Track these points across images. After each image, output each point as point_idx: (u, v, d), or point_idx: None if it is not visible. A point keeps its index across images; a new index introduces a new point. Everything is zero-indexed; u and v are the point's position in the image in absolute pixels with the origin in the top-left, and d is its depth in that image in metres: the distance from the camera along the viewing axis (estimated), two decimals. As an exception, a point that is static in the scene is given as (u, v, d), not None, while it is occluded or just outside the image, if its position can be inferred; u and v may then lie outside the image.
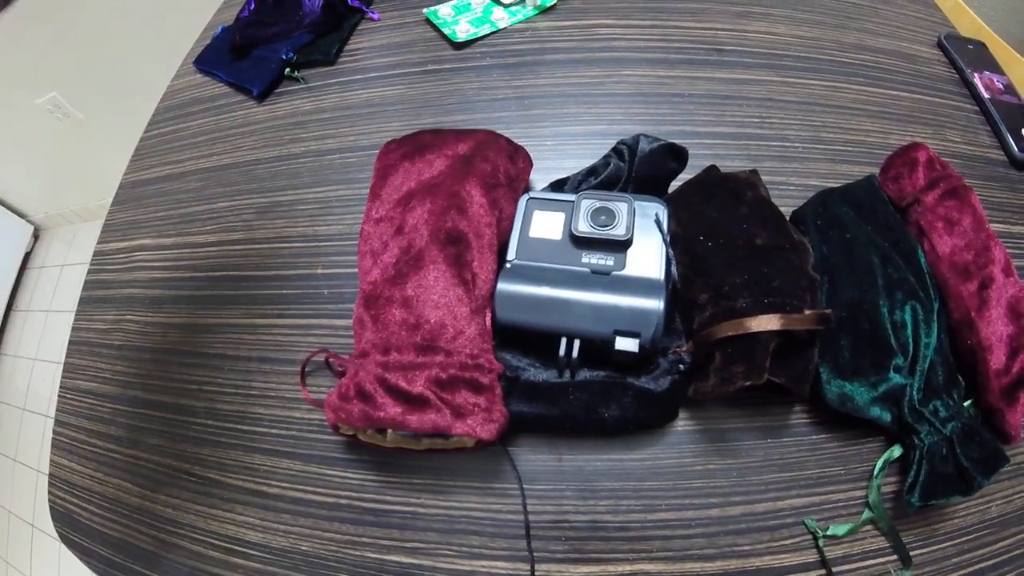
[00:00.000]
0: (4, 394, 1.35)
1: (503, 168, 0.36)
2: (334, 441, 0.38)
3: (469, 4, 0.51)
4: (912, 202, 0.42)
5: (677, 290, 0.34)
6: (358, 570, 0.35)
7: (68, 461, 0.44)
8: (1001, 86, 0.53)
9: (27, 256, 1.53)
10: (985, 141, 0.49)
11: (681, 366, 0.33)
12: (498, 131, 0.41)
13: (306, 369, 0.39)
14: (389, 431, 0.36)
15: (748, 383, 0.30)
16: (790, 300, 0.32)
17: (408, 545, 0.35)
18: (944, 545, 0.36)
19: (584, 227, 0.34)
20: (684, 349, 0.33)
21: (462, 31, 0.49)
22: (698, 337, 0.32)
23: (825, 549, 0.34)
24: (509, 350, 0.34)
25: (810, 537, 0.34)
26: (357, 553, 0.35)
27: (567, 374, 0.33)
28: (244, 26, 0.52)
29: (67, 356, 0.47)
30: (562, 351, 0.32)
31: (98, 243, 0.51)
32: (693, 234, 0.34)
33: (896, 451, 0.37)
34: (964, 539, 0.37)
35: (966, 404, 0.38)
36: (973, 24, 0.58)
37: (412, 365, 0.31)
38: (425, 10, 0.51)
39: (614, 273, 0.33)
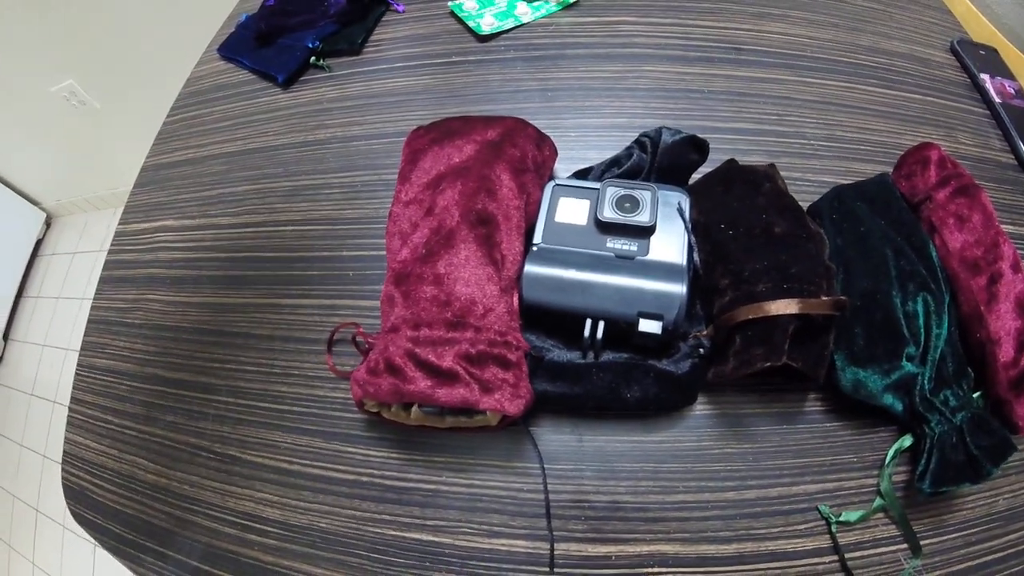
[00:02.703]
0: (12, 380, 1.35)
1: (531, 154, 0.37)
2: (357, 419, 0.38)
3: (493, -2, 0.53)
4: (924, 199, 0.43)
5: (698, 276, 0.35)
6: (377, 547, 0.36)
7: (83, 438, 0.44)
8: (1012, 91, 0.54)
9: (38, 243, 1.53)
10: (995, 144, 0.50)
11: (701, 350, 0.34)
12: None
13: (332, 346, 0.39)
14: (413, 409, 0.36)
15: (767, 365, 0.31)
16: (808, 286, 0.32)
17: (429, 523, 0.35)
18: (953, 536, 0.37)
19: (609, 213, 0.35)
20: (705, 333, 0.34)
21: (487, 24, 0.50)
22: (719, 321, 0.33)
23: (837, 535, 0.35)
24: (534, 331, 0.35)
25: (823, 523, 0.35)
26: (377, 531, 0.36)
27: (591, 355, 0.34)
28: (269, 14, 0.53)
29: (85, 335, 0.48)
30: (587, 332, 0.33)
31: (120, 224, 0.51)
32: (714, 222, 0.35)
33: (907, 440, 0.38)
34: (972, 531, 0.37)
35: (975, 395, 0.39)
36: (986, 30, 0.59)
37: (442, 340, 0.31)
38: (450, 3, 0.52)
39: (638, 258, 0.34)
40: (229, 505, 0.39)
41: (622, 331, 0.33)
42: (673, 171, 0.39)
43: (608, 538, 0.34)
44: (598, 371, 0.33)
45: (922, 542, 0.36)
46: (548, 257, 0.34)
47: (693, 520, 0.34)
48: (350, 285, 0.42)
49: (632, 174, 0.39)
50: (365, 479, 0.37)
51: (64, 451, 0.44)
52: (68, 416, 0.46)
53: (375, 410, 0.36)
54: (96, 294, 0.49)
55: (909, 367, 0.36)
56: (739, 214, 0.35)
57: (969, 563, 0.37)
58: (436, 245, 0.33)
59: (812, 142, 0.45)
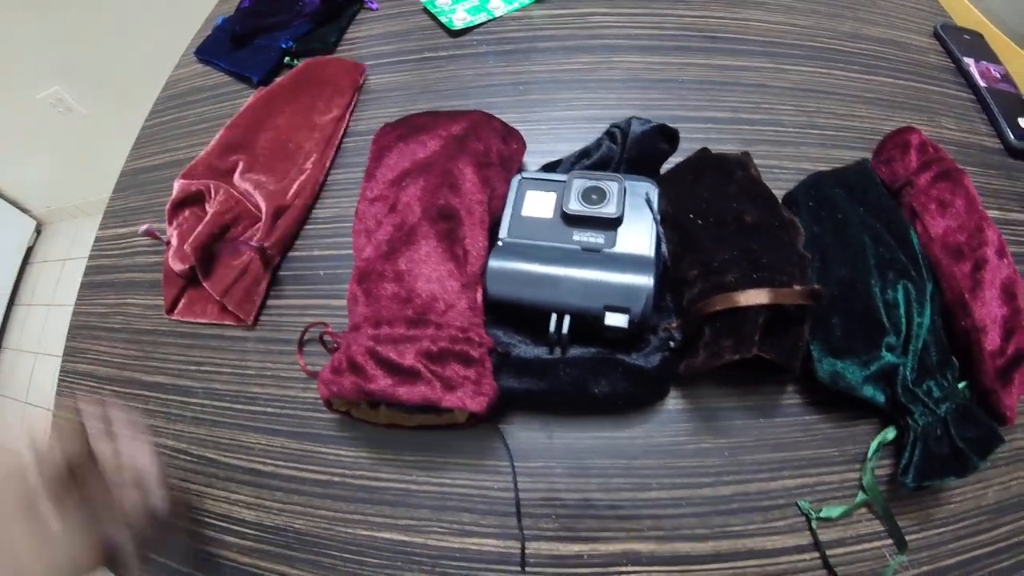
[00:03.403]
0: (6, 388, 1.37)
1: (496, 148, 0.36)
2: (328, 419, 0.38)
3: (466, -7, 0.52)
4: (905, 184, 0.42)
5: (667, 267, 0.34)
6: (349, 547, 0.35)
7: (67, 443, 0.44)
8: (998, 75, 0.53)
9: (29, 251, 1.55)
10: (981, 129, 0.49)
11: (672, 343, 0.33)
12: (494, 114, 0.42)
13: (303, 346, 0.39)
14: (382, 407, 0.36)
15: (736, 357, 0.30)
16: (779, 276, 0.32)
17: (400, 522, 0.35)
18: (940, 531, 0.36)
19: (575, 206, 0.34)
20: (674, 326, 0.33)
21: (459, 19, 0.50)
22: (688, 313, 0.33)
23: (819, 531, 0.34)
24: (500, 326, 0.35)
25: (803, 519, 0.34)
26: (349, 531, 0.36)
27: (558, 350, 0.33)
28: (244, 16, 0.53)
29: (68, 340, 0.48)
30: (552, 326, 0.32)
31: (99, 229, 0.51)
32: (683, 212, 0.35)
33: (890, 433, 0.37)
34: (960, 525, 0.36)
35: (960, 385, 0.38)
36: (971, 16, 0.58)
37: (403, 338, 0.31)
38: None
39: (604, 250, 0.34)
40: (207, 507, 0.39)
41: (590, 325, 0.32)
42: (643, 161, 0.38)
43: (580, 536, 0.33)
44: (565, 366, 0.33)
45: (908, 537, 0.35)
46: (513, 251, 0.34)
47: (667, 517, 0.33)
48: (321, 285, 0.41)
49: (602, 165, 0.38)
50: (337, 479, 0.37)
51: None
52: (52, 422, 0.46)
53: (344, 409, 0.35)
54: (78, 300, 0.49)
55: (889, 357, 0.35)
56: (709, 203, 0.35)
57: (958, 557, 0.36)
58: (398, 242, 0.33)
59: (789, 129, 0.45)
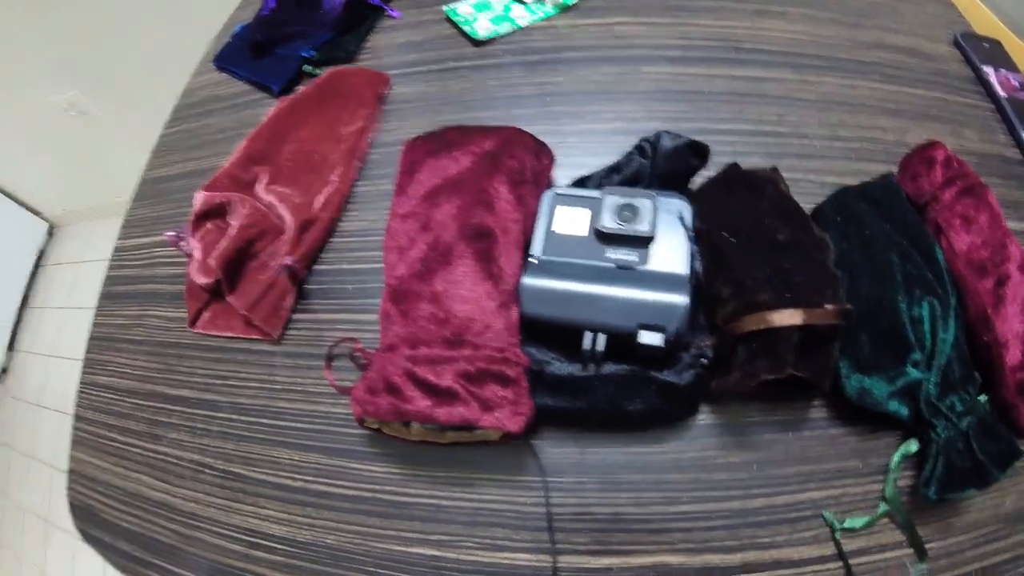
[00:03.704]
0: (20, 391, 1.36)
1: (529, 165, 0.36)
2: (358, 435, 0.38)
3: (489, 2, 0.52)
4: (930, 200, 0.42)
5: (700, 285, 0.34)
6: (383, 562, 0.36)
7: (88, 456, 0.44)
8: (1017, 84, 0.53)
9: (42, 253, 1.54)
10: (1001, 139, 0.49)
11: (703, 360, 0.33)
12: (520, 126, 0.42)
13: (332, 361, 0.39)
14: (414, 424, 0.36)
15: (771, 377, 0.30)
16: (812, 295, 0.32)
17: (432, 537, 0.35)
18: (960, 538, 0.36)
19: (609, 223, 0.34)
20: (707, 344, 0.33)
21: (483, 29, 0.50)
22: (721, 331, 0.33)
23: (842, 542, 0.34)
24: (534, 344, 0.35)
25: (828, 530, 0.35)
26: (382, 546, 0.36)
27: (592, 368, 0.33)
28: (264, 24, 0.53)
29: (87, 352, 0.48)
30: (587, 344, 0.32)
31: (119, 239, 0.51)
32: (715, 229, 0.35)
33: (913, 445, 0.37)
34: (978, 533, 0.37)
35: (982, 399, 0.38)
36: (989, 22, 0.58)
37: (440, 359, 0.31)
38: (445, 8, 0.51)
39: (638, 268, 0.34)
40: (234, 522, 0.39)
41: (623, 342, 0.33)
42: (673, 177, 0.38)
43: (611, 550, 0.34)
44: (599, 383, 0.33)
45: (927, 545, 0.35)
46: (547, 269, 0.34)
47: (697, 530, 0.34)
48: (349, 299, 0.41)
49: (632, 180, 0.38)
50: (368, 495, 0.37)
51: (69, 469, 0.44)
52: (73, 435, 0.46)
53: (376, 426, 0.36)
54: (97, 311, 0.49)
55: (914, 373, 0.35)
56: (741, 220, 0.35)
57: (975, 565, 0.36)
58: (433, 262, 0.33)
59: (814, 142, 0.45)
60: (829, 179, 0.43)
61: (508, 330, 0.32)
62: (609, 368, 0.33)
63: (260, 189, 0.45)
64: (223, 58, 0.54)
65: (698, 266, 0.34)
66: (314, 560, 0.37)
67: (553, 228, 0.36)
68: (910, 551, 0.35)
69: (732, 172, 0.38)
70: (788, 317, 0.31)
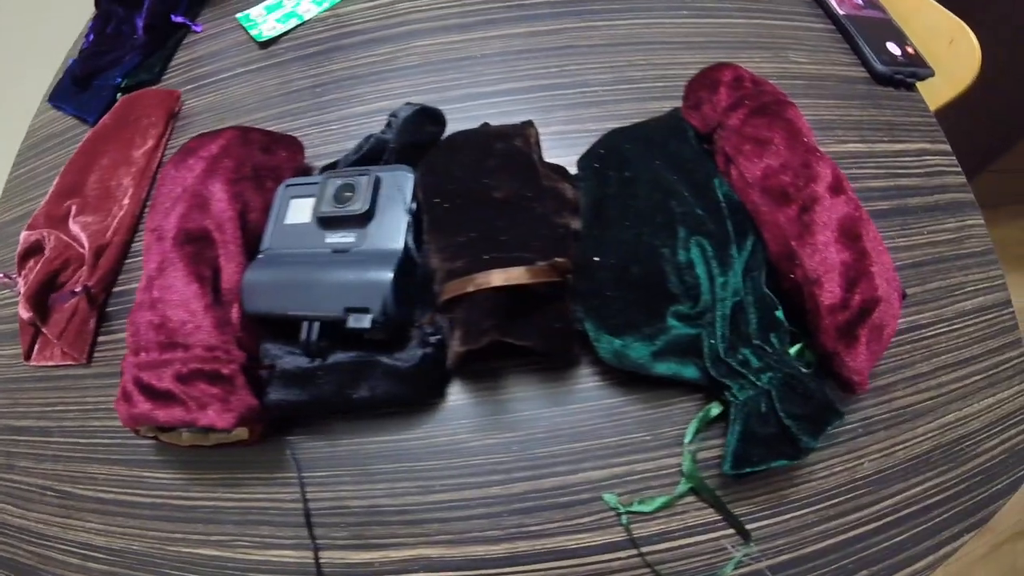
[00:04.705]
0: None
1: (252, 162, 0.36)
2: (149, 445, 0.39)
3: (281, 2, 0.51)
4: (716, 127, 0.38)
5: (412, 259, 0.33)
6: (177, 564, 0.37)
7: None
8: (860, 1, 0.48)
9: None
10: (841, 59, 0.44)
11: (432, 338, 0.32)
12: (288, 122, 0.41)
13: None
14: (183, 431, 0.37)
15: (465, 350, 0.28)
16: (521, 253, 0.30)
17: (213, 538, 0.36)
18: (801, 512, 0.32)
19: (326, 206, 0.34)
20: (426, 320, 0.32)
21: (268, 29, 0.49)
22: (437, 306, 0.31)
23: (635, 526, 0.31)
24: (272, 339, 0.34)
25: (614, 514, 0.32)
26: (175, 549, 0.37)
27: (318, 359, 0.33)
28: (85, 58, 0.54)
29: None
30: (303, 335, 0.32)
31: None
32: (433, 197, 0.33)
33: (715, 409, 0.33)
34: (828, 503, 0.33)
35: (794, 349, 0.33)
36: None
37: (159, 363, 0.32)
38: (238, 15, 0.51)
39: (354, 250, 0.33)
40: (70, 537, 0.41)
41: (351, 328, 0.32)
42: (413, 148, 0.36)
43: (371, 544, 0.32)
44: (324, 374, 0.32)
45: (761, 523, 0.31)
46: (271, 262, 0.34)
47: (455, 520, 0.32)
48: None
49: (373, 158, 0.37)
50: (160, 501, 0.38)
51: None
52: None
53: (152, 435, 0.36)
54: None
55: (680, 328, 0.31)
56: (461, 183, 0.33)
57: (830, 540, 0.32)
58: (155, 271, 0.33)
59: (596, 88, 0.41)
60: (612, 124, 0.40)
61: (220, 328, 0.32)
62: (337, 356, 0.33)
63: (70, 222, 0.46)
64: (55, 95, 0.56)
65: (410, 239, 0.32)
66: (128, 567, 0.38)
67: (285, 220, 0.35)
68: (730, 532, 0.31)
69: (456, 134, 0.36)
70: (484, 280, 0.29)
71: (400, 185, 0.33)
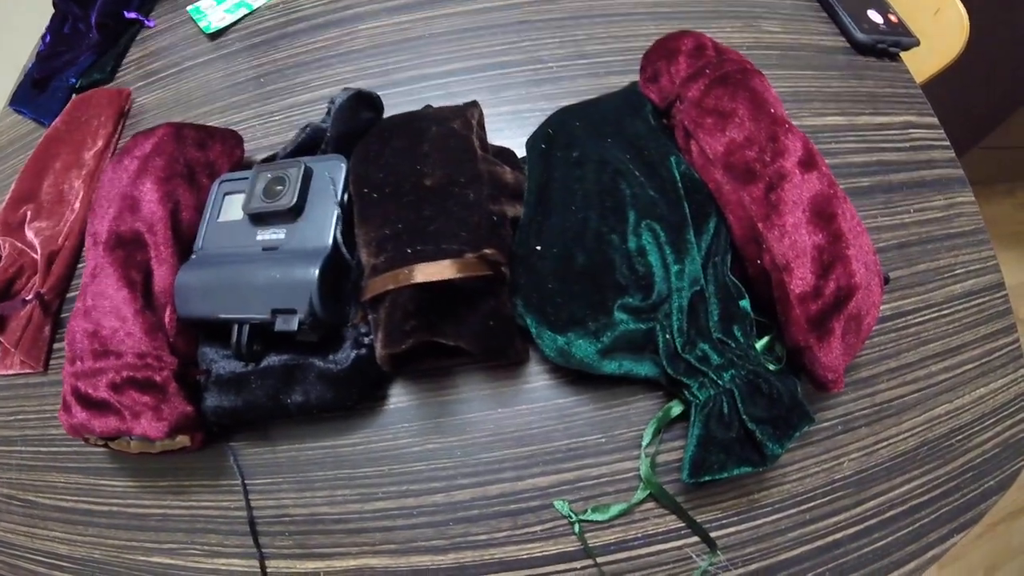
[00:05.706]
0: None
1: (184, 159, 0.34)
2: (104, 452, 0.39)
3: (229, -9, 0.50)
4: (674, 100, 0.35)
5: (341, 255, 0.31)
6: (134, 572, 0.36)
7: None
8: (839, -33, 0.44)
9: None
10: (818, 28, 0.40)
11: (366, 339, 0.30)
12: (231, 115, 0.40)
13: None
14: (129, 438, 0.36)
15: (386, 353, 0.27)
16: (448, 245, 0.28)
17: (165, 546, 0.35)
18: (775, 518, 0.30)
19: (256, 202, 0.32)
20: (356, 320, 0.30)
21: (216, 20, 0.48)
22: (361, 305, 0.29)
23: (590, 535, 0.29)
24: (210, 343, 0.33)
25: (567, 522, 0.30)
26: (131, 557, 0.36)
27: (251, 364, 0.31)
28: (42, 60, 0.54)
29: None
30: (233, 339, 0.30)
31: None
32: (362, 187, 0.31)
33: (675, 409, 0.30)
34: (805, 507, 0.30)
35: (761, 343, 0.30)
36: None
37: (93, 371, 0.31)
38: (188, 8, 0.50)
39: (283, 247, 0.31)
40: (36, 546, 0.41)
41: (279, 330, 0.30)
42: (350, 135, 0.34)
43: (314, 553, 0.31)
44: (256, 378, 0.31)
45: (729, 531, 0.29)
46: (204, 263, 0.32)
47: (399, 529, 0.30)
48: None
49: (310, 148, 0.35)
50: (115, 508, 0.38)
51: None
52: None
53: (101, 443, 0.36)
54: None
55: (628, 322, 0.28)
56: (392, 171, 0.31)
57: (805, 547, 0.30)
58: (88, 277, 0.32)
59: (549, 64, 0.39)
60: (566, 101, 0.37)
61: (150, 334, 0.30)
62: (270, 360, 0.31)
63: (26, 228, 0.46)
64: (15, 99, 0.55)
65: (339, 234, 0.30)
66: (90, 575, 0.38)
67: (219, 218, 0.34)
68: (695, 540, 0.29)
69: (391, 119, 0.34)
70: (406, 277, 0.26)
71: (333, 176, 0.32)
